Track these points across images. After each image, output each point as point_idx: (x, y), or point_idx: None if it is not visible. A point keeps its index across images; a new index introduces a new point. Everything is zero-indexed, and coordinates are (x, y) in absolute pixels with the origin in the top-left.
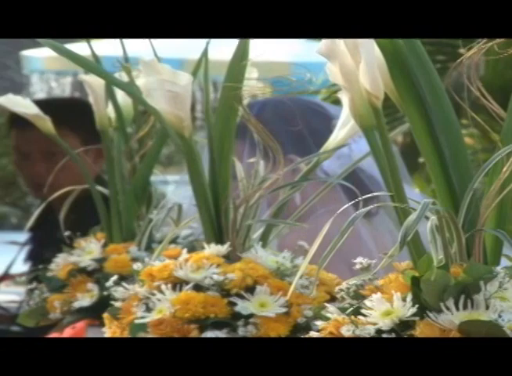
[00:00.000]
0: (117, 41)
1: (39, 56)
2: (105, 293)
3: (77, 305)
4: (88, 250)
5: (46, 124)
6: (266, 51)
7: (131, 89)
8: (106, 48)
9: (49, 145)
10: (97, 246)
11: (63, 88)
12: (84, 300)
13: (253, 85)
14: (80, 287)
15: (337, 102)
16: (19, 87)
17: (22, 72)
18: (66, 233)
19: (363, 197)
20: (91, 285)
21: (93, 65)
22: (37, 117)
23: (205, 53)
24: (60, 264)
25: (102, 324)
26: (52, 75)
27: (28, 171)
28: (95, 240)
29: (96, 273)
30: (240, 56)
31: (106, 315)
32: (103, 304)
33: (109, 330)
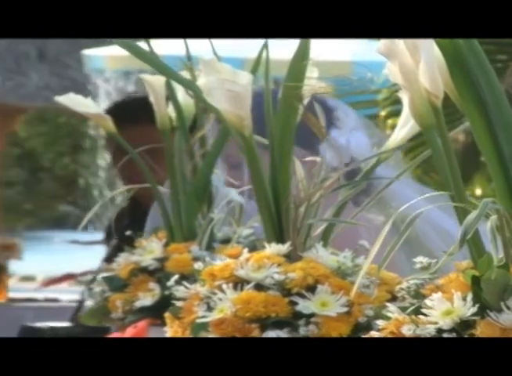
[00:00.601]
0: (179, 40)
1: (100, 54)
2: (166, 292)
3: (138, 304)
4: (150, 249)
5: (107, 123)
6: (327, 50)
7: (197, 88)
8: (166, 47)
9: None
10: (158, 245)
11: (123, 87)
12: (145, 299)
13: (314, 85)
14: (141, 286)
15: (396, 101)
16: (81, 86)
17: (83, 71)
18: (128, 233)
19: (428, 195)
20: (152, 284)
21: (162, 64)
22: (98, 116)
23: (261, 52)
24: (122, 263)
25: (163, 324)
26: (113, 74)
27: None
28: (156, 239)
29: (158, 273)
30: (301, 55)
31: (167, 314)
32: (165, 303)
33: (171, 329)
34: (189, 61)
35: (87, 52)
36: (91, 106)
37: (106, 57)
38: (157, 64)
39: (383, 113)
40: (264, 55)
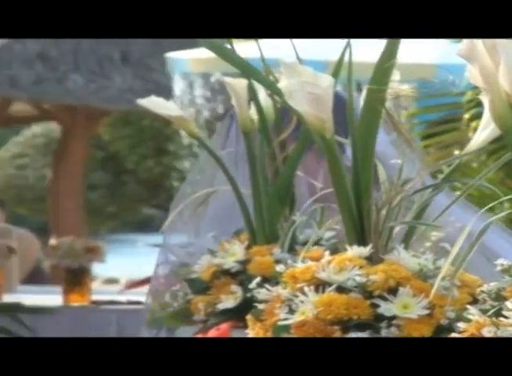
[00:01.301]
0: (261, 42)
1: (184, 57)
2: (248, 295)
3: (221, 306)
4: (232, 252)
5: (189, 125)
6: (412, 52)
7: (279, 91)
8: (248, 49)
9: None
10: (241, 248)
11: (206, 91)
12: (227, 302)
13: (396, 87)
14: (224, 288)
15: (480, 104)
16: (164, 89)
17: (166, 74)
18: (211, 234)
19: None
20: (234, 287)
21: (247, 66)
22: (180, 118)
23: (343, 55)
24: (204, 266)
25: (245, 326)
26: (196, 77)
27: None
28: (238, 242)
29: (240, 275)
30: (388, 57)
31: (249, 316)
32: (247, 306)
33: (253, 331)
34: (266, 64)
35: (170, 54)
36: (172, 108)
37: (189, 60)
38: (242, 66)
39: (466, 116)
40: (346, 57)
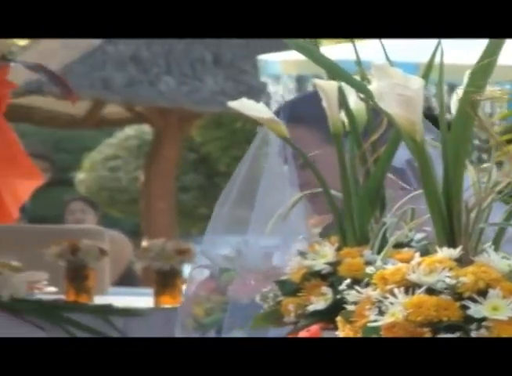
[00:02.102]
0: (350, 44)
1: (276, 59)
2: (338, 296)
3: (311, 308)
4: (323, 253)
5: (279, 128)
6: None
7: (370, 93)
8: (338, 51)
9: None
10: (331, 250)
11: (298, 93)
12: (318, 303)
13: (489, 90)
14: (314, 290)
15: None
16: (256, 91)
17: (258, 76)
18: (301, 236)
19: None
20: (325, 289)
21: (337, 68)
22: (271, 121)
23: (433, 57)
24: (295, 267)
25: (335, 327)
26: (288, 79)
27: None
28: (329, 243)
29: (330, 277)
30: (488, 58)
31: (339, 318)
32: (337, 307)
33: (343, 333)
34: (360, 66)
35: (262, 57)
36: (263, 110)
37: (281, 62)
38: (331, 68)
39: None
40: (437, 59)
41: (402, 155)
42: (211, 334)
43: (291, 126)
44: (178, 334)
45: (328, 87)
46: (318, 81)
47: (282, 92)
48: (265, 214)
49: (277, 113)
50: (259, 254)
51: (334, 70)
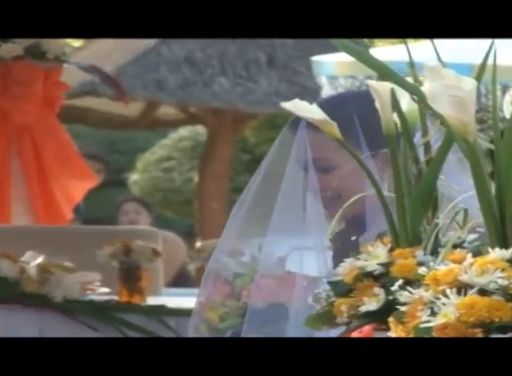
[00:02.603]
0: (403, 46)
1: (330, 60)
2: (390, 297)
3: (363, 309)
4: (375, 254)
5: (332, 128)
6: None
7: (422, 94)
8: (390, 52)
9: None
10: (384, 250)
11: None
12: (370, 304)
13: None
14: (366, 291)
15: None
16: (310, 92)
17: (313, 77)
18: (353, 238)
19: None
20: (377, 289)
21: (388, 70)
22: (324, 122)
23: (486, 58)
24: (347, 268)
25: (387, 328)
26: (343, 80)
27: None
28: (381, 244)
29: (382, 278)
30: None
31: (391, 319)
32: (389, 308)
33: (395, 334)
34: (413, 67)
35: (316, 58)
36: (316, 112)
37: (335, 63)
38: (383, 70)
39: None
40: (490, 60)
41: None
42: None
43: (312, 130)
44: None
45: (381, 88)
46: (370, 82)
47: (336, 92)
48: (285, 218)
49: (298, 118)
50: (272, 260)
51: (384, 71)
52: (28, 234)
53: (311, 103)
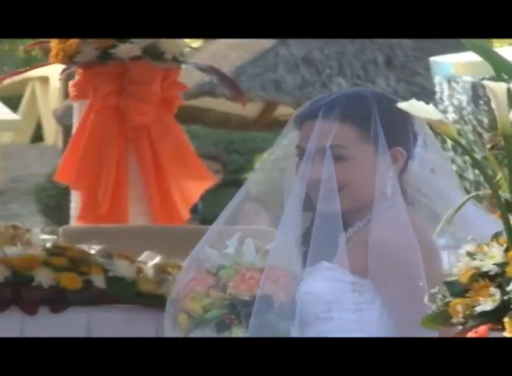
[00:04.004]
0: None
1: (448, 61)
2: (506, 297)
3: (479, 309)
4: (491, 254)
5: (449, 129)
6: None
7: None
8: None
9: None
10: (499, 250)
11: (469, 94)
12: (486, 304)
13: None
14: (482, 291)
15: None
16: (428, 93)
17: (431, 78)
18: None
19: None
20: (493, 289)
21: None
22: (440, 122)
23: None
24: (463, 268)
25: (503, 328)
26: (461, 81)
27: None
28: (497, 244)
29: (498, 278)
30: None
31: (507, 319)
32: (505, 308)
33: (510, 334)
34: None
35: (435, 58)
36: (433, 112)
37: (454, 63)
38: (507, 69)
39: None
40: None
41: None
42: (210, 329)
43: (331, 122)
44: (169, 329)
45: (498, 89)
46: (487, 83)
47: (454, 93)
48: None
49: (318, 108)
50: (253, 252)
51: (509, 71)
52: (145, 234)
53: (429, 104)
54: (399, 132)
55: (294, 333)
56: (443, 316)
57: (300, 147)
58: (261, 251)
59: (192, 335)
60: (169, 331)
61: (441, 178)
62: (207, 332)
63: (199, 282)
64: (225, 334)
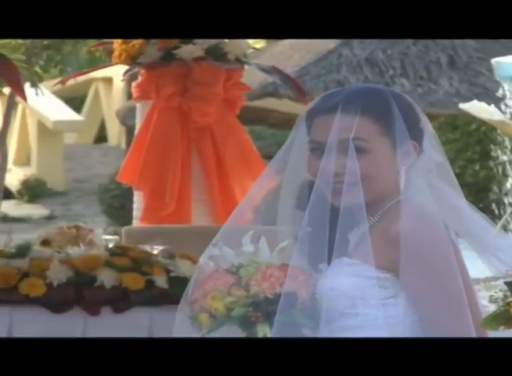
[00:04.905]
0: None
1: (511, 62)
2: None
3: None
4: None
5: (510, 129)
6: None
7: None
8: None
9: None
10: None
11: None
12: None
13: None
14: None
15: None
16: (491, 93)
17: (494, 79)
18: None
19: None
20: None
21: None
22: (502, 123)
23: None
24: None
25: None
26: None
27: None
28: None
29: None
30: None
31: None
32: None
33: None
34: None
35: (498, 59)
36: (494, 112)
37: None
38: None
39: None
40: None
41: None
42: (235, 327)
43: (352, 116)
44: (187, 329)
45: None
46: None
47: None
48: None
49: (335, 103)
50: (268, 250)
51: None
52: (208, 234)
53: (492, 104)
54: (413, 127)
55: (320, 329)
56: (504, 316)
57: (315, 141)
58: (276, 250)
59: (214, 334)
60: (181, 331)
61: (441, 177)
62: (232, 330)
63: (218, 281)
64: (251, 332)
